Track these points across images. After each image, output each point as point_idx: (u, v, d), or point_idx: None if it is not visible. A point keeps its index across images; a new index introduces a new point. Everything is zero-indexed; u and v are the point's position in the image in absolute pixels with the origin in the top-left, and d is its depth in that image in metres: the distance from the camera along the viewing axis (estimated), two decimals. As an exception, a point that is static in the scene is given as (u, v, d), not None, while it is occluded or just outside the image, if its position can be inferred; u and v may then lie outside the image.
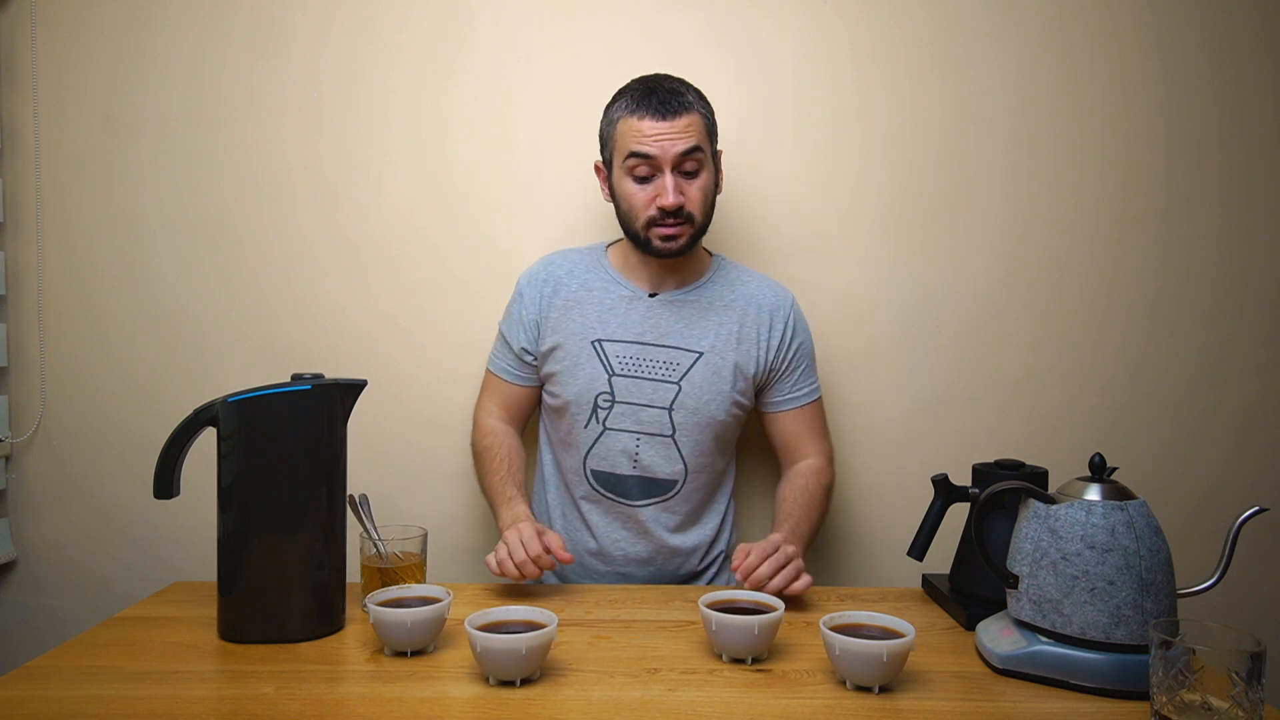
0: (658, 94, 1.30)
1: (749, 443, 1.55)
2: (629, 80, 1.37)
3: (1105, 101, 1.60)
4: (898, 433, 1.64)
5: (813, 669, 0.99)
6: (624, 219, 1.36)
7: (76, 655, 1.03)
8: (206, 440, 1.09)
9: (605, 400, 1.36)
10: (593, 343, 1.37)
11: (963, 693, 0.94)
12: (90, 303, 1.66)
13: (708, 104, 1.35)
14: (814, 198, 1.62)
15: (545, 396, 1.44)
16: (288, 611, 1.08)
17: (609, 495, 1.39)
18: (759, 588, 1.13)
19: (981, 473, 1.22)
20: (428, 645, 1.03)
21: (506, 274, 1.49)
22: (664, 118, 1.28)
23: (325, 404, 1.09)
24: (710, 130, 1.35)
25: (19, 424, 1.68)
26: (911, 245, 1.62)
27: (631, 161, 1.30)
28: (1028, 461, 1.24)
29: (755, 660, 1.01)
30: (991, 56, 1.60)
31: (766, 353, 1.41)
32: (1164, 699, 0.83)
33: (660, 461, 1.37)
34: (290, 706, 0.89)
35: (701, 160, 1.31)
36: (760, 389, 1.43)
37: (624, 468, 1.38)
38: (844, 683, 0.95)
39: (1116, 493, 0.98)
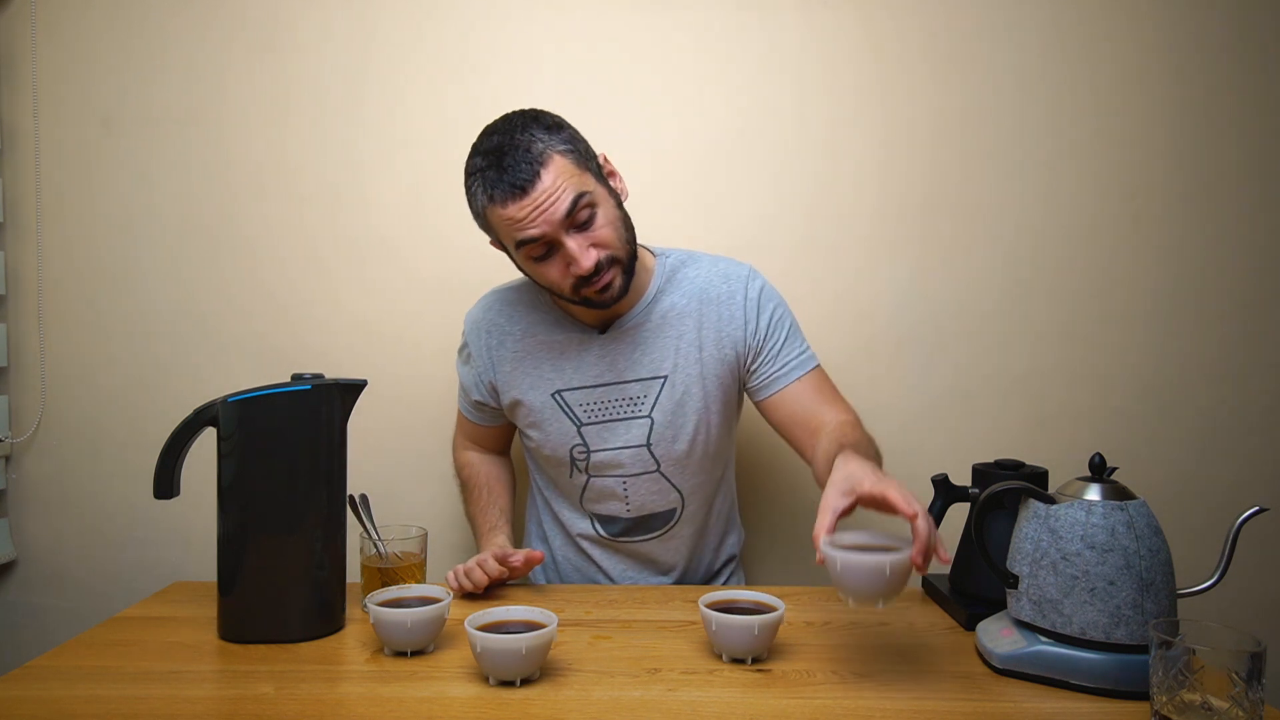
0: (508, 171, 1.13)
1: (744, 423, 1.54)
2: (480, 139, 1.18)
3: (1105, 101, 1.60)
4: (898, 433, 1.63)
5: (813, 669, 0.99)
6: (548, 291, 1.25)
7: (76, 655, 1.03)
8: (206, 440, 1.09)
9: (580, 452, 1.31)
10: (552, 395, 1.30)
11: (963, 693, 0.94)
12: (90, 303, 1.66)
13: (564, 130, 1.17)
14: (813, 198, 1.62)
15: (525, 441, 1.39)
16: (288, 611, 1.08)
17: (611, 538, 1.35)
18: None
19: (981, 473, 1.22)
20: (428, 645, 1.03)
21: (507, 273, 1.49)
22: (525, 192, 1.12)
23: (325, 404, 1.09)
24: (582, 159, 1.17)
25: (19, 424, 1.68)
26: (911, 245, 1.62)
27: (525, 249, 1.17)
28: (1028, 461, 1.24)
29: (755, 660, 1.01)
30: (992, 55, 1.60)
31: (736, 344, 1.29)
32: (1164, 699, 0.83)
33: (653, 498, 1.32)
34: (290, 706, 0.89)
35: (590, 201, 1.15)
36: (746, 377, 1.31)
37: (618, 510, 1.33)
38: (846, 600, 0.91)
39: (1116, 493, 0.98)
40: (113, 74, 1.64)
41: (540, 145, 1.14)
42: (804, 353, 1.31)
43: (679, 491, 1.32)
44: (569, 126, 1.19)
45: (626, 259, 1.21)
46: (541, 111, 1.19)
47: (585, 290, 1.19)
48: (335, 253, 1.64)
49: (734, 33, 1.60)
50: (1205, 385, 1.62)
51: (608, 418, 1.29)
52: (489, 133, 1.17)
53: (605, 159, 1.24)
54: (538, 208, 1.12)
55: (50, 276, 1.66)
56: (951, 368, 1.63)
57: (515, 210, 1.13)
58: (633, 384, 1.29)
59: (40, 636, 1.63)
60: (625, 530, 1.34)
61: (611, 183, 1.23)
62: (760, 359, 1.30)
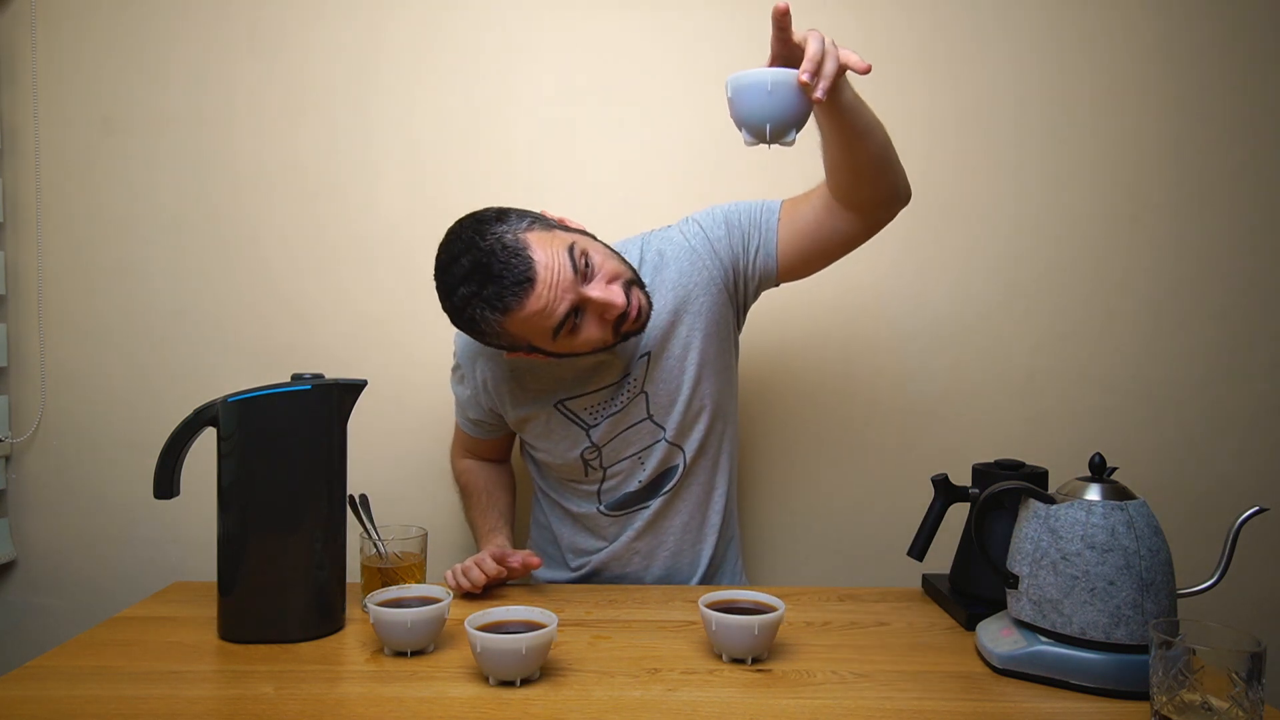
0: (505, 275, 1.08)
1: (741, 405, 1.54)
2: (446, 275, 1.13)
3: (1106, 100, 1.60)
4: (898, 433, 1.63)
5: (813, 669, 0.99)
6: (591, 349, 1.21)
7: (76, 655, 1.03)
8: (206, 440, 1.09)
9: (591, 453, 1.32)
10: (555, 406, 1.30)
11: (963, 693, 0.94)
12: (90, 303, 1.66)
13: (511, 212, 1.15)
14: (814, 198, 1.62)
15: (530, 452, 1.40)
16: (288, 611, 1.08)
17: (624, 512, 1.36)
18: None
19: (981, 473, 1.22)
20: (428, 645, 1.03)
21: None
22: (533, 280, 1.08)
23: (325, 404, 1.09)
24: (543, 224, 1.15)
25: (19, 424, 1.68)
26: (912, 245, 1.62)
27: (562, 331, 1.13)
28: (1028, 461, 1.24)
29: (755, 660, 1.01)
30: (991, 56, 1.60)
31: (708, 286, 1.27)
32: (1164, 699, 0.83)
33: (665, 457, 1.34)
34: (290, 706, 0.89)
35: (581, 249, 1.12)
36: (752, 281, 1.29)
37: (633, 485, 1.34)
38: (742, 135, 0.92)
39: (1116, 493, 0.98)
40: (113, 74, 1.64)
41: (509, 235, 1.10)
42: (764, 205, 1.28)
43: (682, 450, 1.33)
44: (510, 208, 1.16)
45: (636, 275, 1.21)
46: (478, 212, 1.16)
47: (625, 326, 1.17)
48: (334, 253, 1.64)
49: (734, 33, 1.60)
50: (1205, 385, 1.62)
51: (610, 412, 1.31)
52: (451, 263, 1.12)
53: (546, 213, 1.20)
54: (551, 285, 1.09)
55: (50, 277, 1.66)
56: (952, 367, 1.63)
57: (534, 302, 1.09)
58: (626, 379, 1.30)
59: (40, 636, 1.63)
60: (635, 499, 1.35)
61: (571, 226, 1.21)
62: (746, 250, 1.27)
